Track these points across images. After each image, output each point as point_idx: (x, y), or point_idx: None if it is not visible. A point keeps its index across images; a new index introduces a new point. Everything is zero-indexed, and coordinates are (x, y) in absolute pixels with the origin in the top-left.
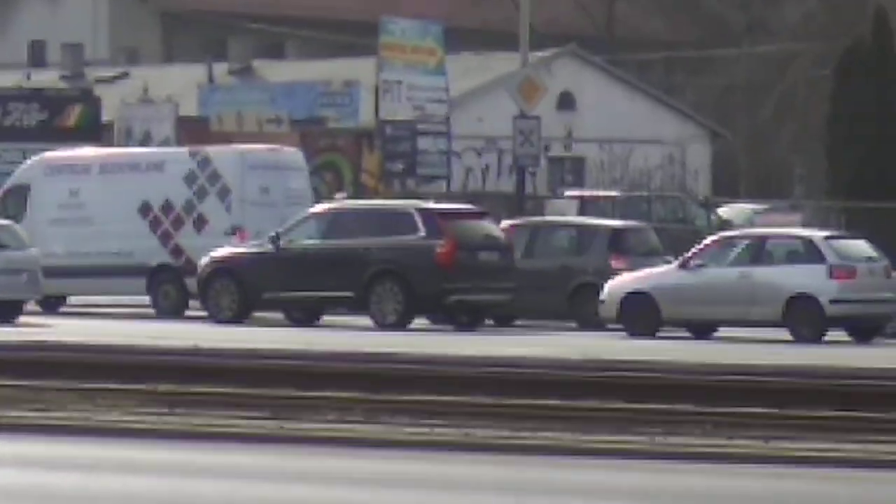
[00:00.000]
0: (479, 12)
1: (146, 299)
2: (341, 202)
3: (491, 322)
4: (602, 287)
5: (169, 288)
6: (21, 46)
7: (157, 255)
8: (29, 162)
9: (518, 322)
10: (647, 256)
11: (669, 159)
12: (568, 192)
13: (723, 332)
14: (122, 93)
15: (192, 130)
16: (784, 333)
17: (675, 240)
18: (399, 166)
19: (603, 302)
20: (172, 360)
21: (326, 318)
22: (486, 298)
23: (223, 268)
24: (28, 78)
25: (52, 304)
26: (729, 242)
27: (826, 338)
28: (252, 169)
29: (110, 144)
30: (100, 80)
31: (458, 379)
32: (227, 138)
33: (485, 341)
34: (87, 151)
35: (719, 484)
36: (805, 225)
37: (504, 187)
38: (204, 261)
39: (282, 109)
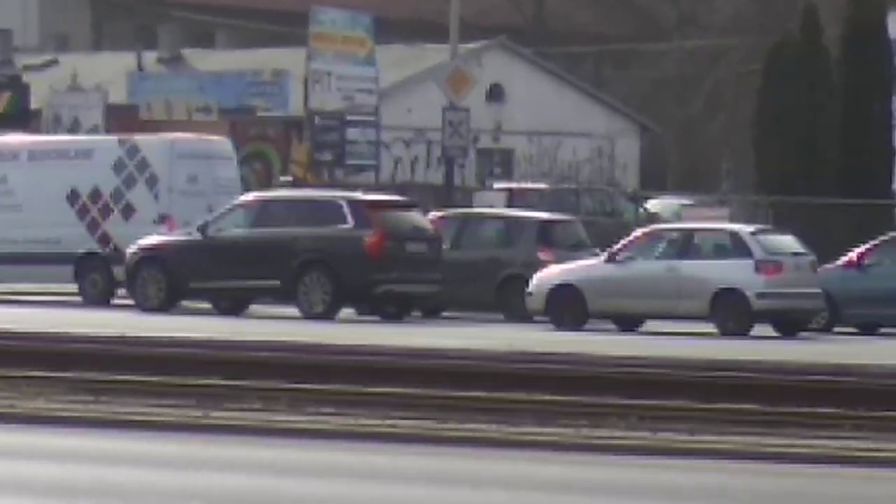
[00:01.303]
0: (409, 3)
1: (73, 287)
2: (284, 186)
3: (418, 313)
4: (529, 279)
5: (96, 276)
6: None
7: (84, 242)
8: None
9: (445, 313)
10: (575, 249)
11: (598, 152)
12: (496, 185)
13: (649, 325)
14: (50, 80)
15: (121, 118)
16: (710, 327)
17: (603, 233)
18: (328, 156)
19: (530, 294)
20: (98, 348)
21: (254, 308)
22: (413, 289)
23: (151, 256)
24: None
25: None
26: (656, 236)
27: (752, 332)
28: (181, 158)
29: (38, 132)
30: (28, 67)
31: (383, 370)
32: (156, 127)
33: (412, 332)
34: (15, 138)
35: (644, 476)
36: (732, 219)
37: (433, 178)
38: (131, 249)
39: (211, 98)
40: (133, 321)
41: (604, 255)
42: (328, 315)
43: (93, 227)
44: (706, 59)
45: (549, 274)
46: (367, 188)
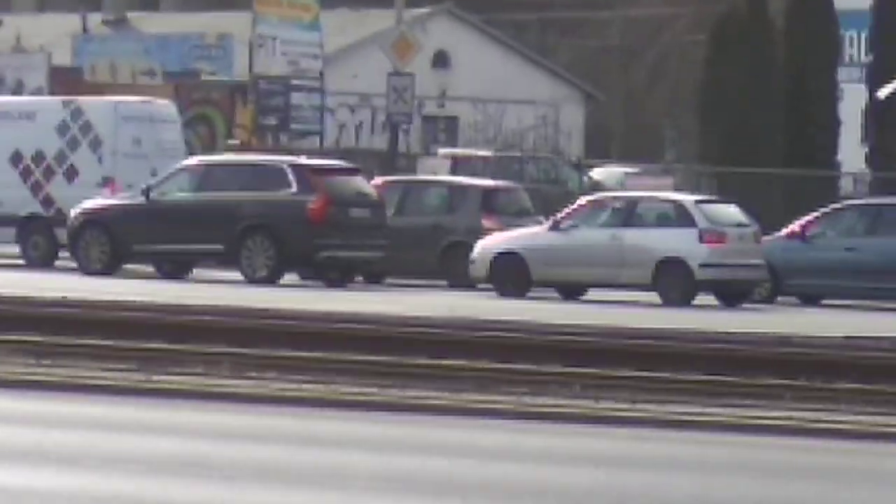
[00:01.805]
0: None
1: (15, 249)
2: (231, 150)
3: (361, 279)
4: (473, 246)
5: (39, 238)
6: None
7: (27, 204)
8: None
9: (388, 279)
10: (519, 217)
11: (543, 120)
12: (441, 151)
13: (592, 293)
14: None
15: (65, 80)
16: (653, 296)
17: (547, 201)
18: (272, 121)
19: (473, 261)
20: (40, 311)
21: (197, 272)
22: (357, 255)
23: (94, 219)
24: None
25: None
26: (600, 204)
27: (695, 302)
28: (125, 120)
29: None
30: None
31: (326, 335)
32: (100, 89)
33: (355, 298)
34: None
35: (585, 445)
36: (676, 189)
37: (377, 144)
38: (74, 212)
39: (156, 61)
40: (76, 284)
41: (547, 223)
42: (271, 280)
43: (36, 189)
44: (651, 29)
45: (493, 241)
46: (312, 153)
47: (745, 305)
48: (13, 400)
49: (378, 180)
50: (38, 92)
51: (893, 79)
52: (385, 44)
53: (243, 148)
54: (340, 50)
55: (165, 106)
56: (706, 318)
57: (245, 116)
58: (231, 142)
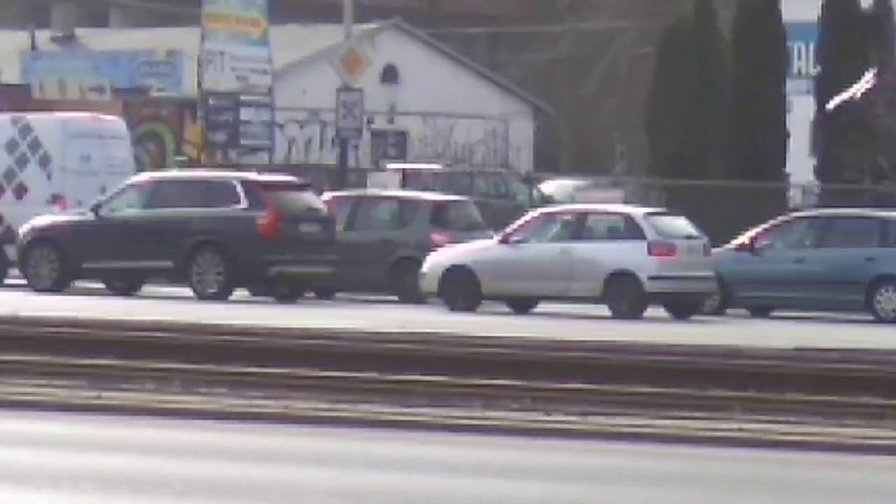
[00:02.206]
0: None
1: None
2: (180, 166)
3: (312, 294)
4: (423, 260)
5: None
6: None
7: None
8: None
9: (339, 295)
10: (469, 231)
11: (492, 134)
12: (390, 166)
13: (542, 307)
14: None
15: (14, 97)
16: (604, 310)
17: (497, 214)
18: (221, 137)
19: (424, 275)
20: None
21: (147, 289)
22: (307, 270)
23: (43, 236)
24: None
25: None
26: (549, 218)
27: (645, 314)
28: (74, 137)
29: None
30: None
31: (277, 351)
32: (49, 106)
33: (305, 314)
34: None
35: (536, 458)
36: (626, 202)
37: (327, 160)
38: (24, 229)
39: (105, 78)
40: (26, 301)
41: (497, 237)
42: (221, 296)
43: None
44: (600, 41)
45: (443, 255)
46: (261, 169)
47: (694, 318)
48: None
49: (328, 195)
50: None
51: (841, 90)
52: (334, 59)
53: (192, 164)
54: (289, 65)
55: (114, 123)
56: (656, 330)
57: (194, 133)
58: (179, 158)
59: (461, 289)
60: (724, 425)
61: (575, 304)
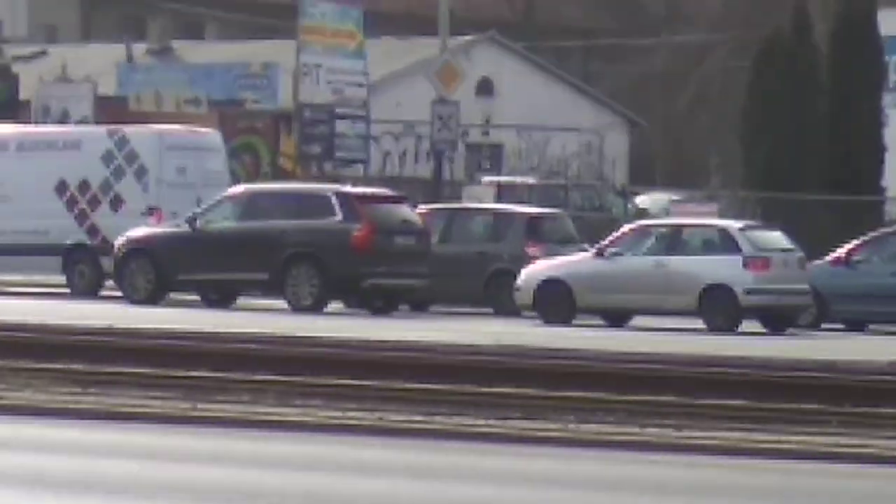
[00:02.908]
0: None
1: (61, 278)
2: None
3: (406, 307)
4: (518, 274)
5: (84, 267)
6: None
7: (72, 233)
8: None
9: (433, 308)
10: (563, 244)
11: (587, 147)
12: (485, 179)
13: (637, 320)
14: (40, 71)
15: (111, 110)
16: (699, 323)
17: (592, 228)
18: (317, 149)
19: (518, 289)
20: (86, 339)
21: (242, 301)
22: (401, 283)
23: (139, 248)
24: None
25: None
26: (645, 231)
27: (740, 328)
28: (169, 149)
29: (28, 122)
30: (18, 58)
31: (371, 363)
32: (145, 118)
33: (399, 326)
34: (5, 129)
35: (631, 471)
36: (721, 215)
37: (422, 172)
38: (120, 241)
39: (200, 90)
40: (121, 313)
41: (592, 250)
42: (316, 308)
43: (81, 218)
44: (694, 54)
45: (538, 269)
46: (356, 181)
47: (790, 331)
48: (60, 428)
49: (422, 208)
50: (83, 121)
51: None
52: (429, 72)
53: (286, 176)
54: (385, 78)
55: (211, 135)
56: (751, 344)
57: (289, 145)
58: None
59: (556, 302)
60: (821, 440)
61: (670, 317)
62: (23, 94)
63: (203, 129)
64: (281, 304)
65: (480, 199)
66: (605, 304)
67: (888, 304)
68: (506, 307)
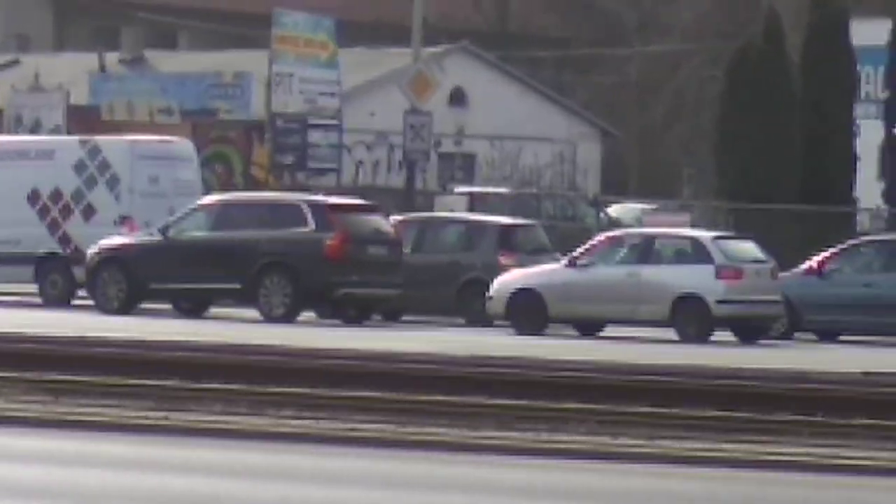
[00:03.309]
0: (372, 6)
1: (33, 287)
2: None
3: (379, 317)
4: (490, 283)
5: (56, 277)
6: None
7: (44, 243)
8: None
9: (406, 317)
10: (536, 254)
11: (560, 157)
12: (458, 189)
13: (610, 330)
14: (12, 80)
15: (83, 119)
16: (671, 333)
17: (564, 237)
18: (289, 159)
19: (491, 298)
20: (58, 348)
21: (214, 310)
22: (374, 293)
23: (111, 257)
24: None
25: None
26: (617, 241)
27: (712, 338)
28: (142, 159)
29: (0, 132)
30: None
31: (344, 373)
32: (117, 128)
33: (372, 336)
34: None
35: (603, 482)
36: (693, 225)
37: (394, 182)
38: (92, 250)
39: (173, 100)
40: (93, 322)
41: (565, 260)
42: (288, 318)
43: (53, 227)
44: (668, 64)
45: (510, 278)
46: (329, 191)
47: (762, 341)
48: (32, 438)
49: (395, 218)
50: (55, 131)
51: None
52: (402, 82)
53: (257, 187)
54: (358, 88)
55: (183, 144)
56: (723, 354)
57: (262, 155)
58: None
59: (528, 312)
60: (792, 450)
61: (642, 327)
62: None
63: (175, 139)
64: (253, 313)
65: (453, 208)
66: (577, 313)
67: (860, 314)
68: (478, 317)
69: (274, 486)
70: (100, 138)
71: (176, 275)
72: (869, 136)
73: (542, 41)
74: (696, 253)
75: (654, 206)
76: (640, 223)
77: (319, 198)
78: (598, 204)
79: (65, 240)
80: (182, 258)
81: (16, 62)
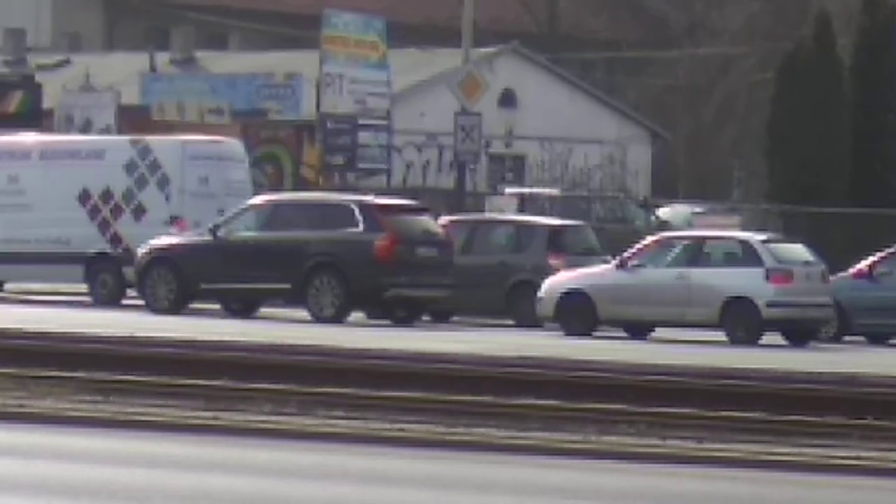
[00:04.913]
0: (422, 8)
1: (84, 287)
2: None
3: (428, 318)
4: (540, 285)
5: (106, 276)
6: None
7: (95, 242)
8: None
9: (455, 318)
10: (586, 255)
11: (609, 159)
12: (508, 190)
13: (659, 332)
14: (63, 80)
15: (133, 119)
16: (720, 335)
17: (614, 239)
18: (339, 160)
19: (540, 300)
20: (108, 348)
21: (264, 310)
22: (423, 294)
23: (161, 257)
24: None
25: None
26: (667, 243)
27: (762, 341)
28: (192, 159)
29: (51, 131)
30: (41, 67)
31: (393, 373)
32: (168, 128)
33: (421, 337)
34: (28, 138)
35: (651, 483)
36: (743, 227)
37: (444, 183)
38: (142, 250)
39: (223, 100)
40: (143, 322)
41: (614, 262)
42: (338, 318)
43: (104, 227)
44: (718, 67)
45: (560, 280)
46: (378, 192)
47: (812, 344)
48: (82, 437)
49: (445, 219)
50: (106, 130)
51: None
52: (452, 83)
53: (308, 187)
54: (408, 89)
55: (233, 145)
56: (773, 357)
57: (312, 155)
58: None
59: (577, 313)
60: (842, 453)
61: (691, 329)
62: (46, 103)
63: (226, 139)
64: (303, 313)
65: (503, 210)
66: (626, 315)
67: None
68: (527, 318)
69: (323, 486)
70: (151, 138)
71: (226, 275)
72: None
73: (591, 43)
74: (746, 255)
75: (703, 209)
76: (690, 225)
77: (369, 198)
78: (648, 206)
79: (115, 240)
80: (232, 258)
81: (67, 62)
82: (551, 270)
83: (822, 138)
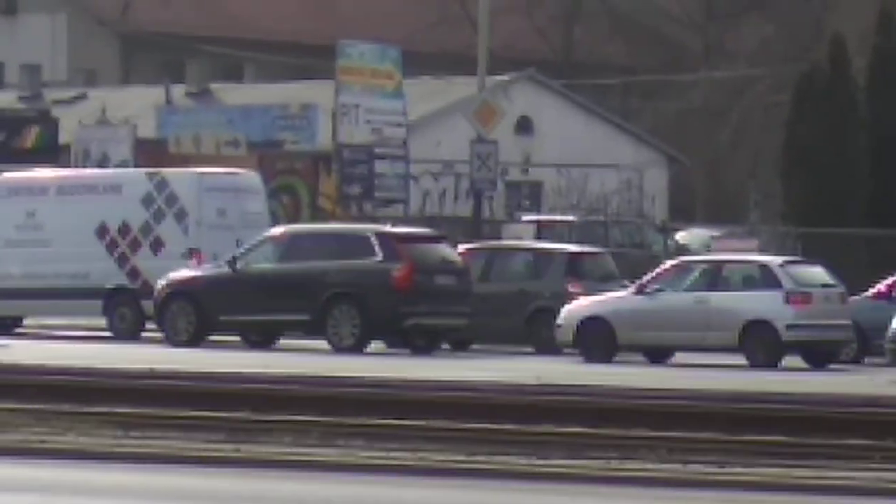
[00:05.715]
0: (437, 36)
1: (102, 321)
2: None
3: (447, 346)
4: (558, 312)
5: (125, 310)
6: None
7: (113, 276)
8: None
9: (475, 346)
10: (604, 281)
11: (626, 184)
12: (525, 217)
13: (679, 357)
14: (79, 114)
15: (150, 152)
16: (740, 359)
17: (632, 265)
18: (356, 189)
19: (559, 326)
20: (128, 382)
21: (283, 342)
22: (442, 322)
23: (180, 290)
24: None
25: (7, 326)
26: (685, 267)
27: (782, 364)
28: (209, 191)
29: (68, 166)
30: (57, 102)
31: (413, 403)
32: (184, 160)
33: (441, 365)
34: (45, 173)
35: None
36: (762, 250)
37: (461, 211)
38: (161, 283)
39: (239, 132)
40: (162, 355)
41: (633, 287)
42: (357, 348)
43: (122, 261)
44: (733, 90)
45: (578, 306)
46: (396, 221)
47: (832, 366)
48: (102, 472)
49: (463, 247)
50: (123, 164)
51: None
52: (468, 111)
53: (325, 217)
54: (424, 117)
55: (250, 176)
56: (793, 379)
57: (329, 185)
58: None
59: (597, 340)
60: (864, 475)
61: (711, 353)
62: (63, 138)
63: (243, 171)
64: (322, 344)
65: (520, 237)
66: (646, 341)
67: None
68: (547, 345)
69: None
70: (167, 171)
71: (244, 307)
72: None
73: (606, 68)
74: (765, 278)
75: (721, 232)
76: (708, 249)
77: (387, 228)
78: (666, 230)
79: (133, 273)
80: (250, 290)
81: (83, 96)
82: (570, 297)
83: (838, 159)
